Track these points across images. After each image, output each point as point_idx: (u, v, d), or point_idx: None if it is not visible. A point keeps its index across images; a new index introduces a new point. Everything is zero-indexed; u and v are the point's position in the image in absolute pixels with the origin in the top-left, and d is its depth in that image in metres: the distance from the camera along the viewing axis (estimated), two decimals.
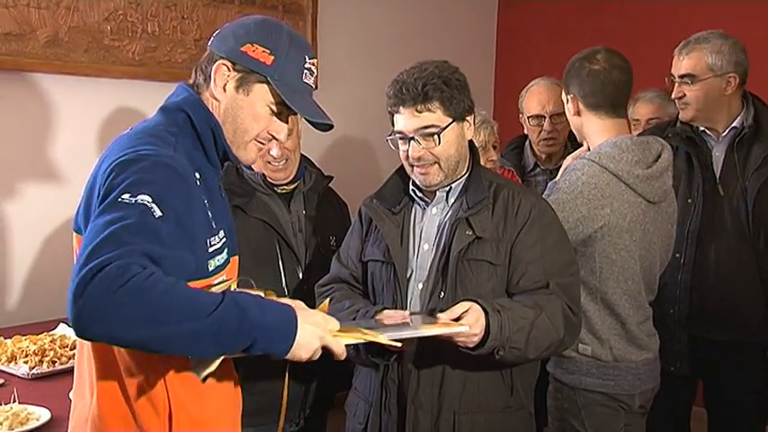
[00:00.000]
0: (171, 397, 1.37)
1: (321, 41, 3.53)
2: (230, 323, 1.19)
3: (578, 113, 2.13)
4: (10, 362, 2.17)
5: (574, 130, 2.21)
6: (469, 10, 4.33)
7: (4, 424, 1.76)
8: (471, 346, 1.63)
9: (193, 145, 1.42)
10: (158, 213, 1.22)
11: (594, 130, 2.13)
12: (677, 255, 2.44)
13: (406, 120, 1.76)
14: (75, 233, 1.39)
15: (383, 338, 1.49)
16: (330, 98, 3.52)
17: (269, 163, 2.18)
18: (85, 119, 2.83)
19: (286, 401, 1.67)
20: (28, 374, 2.09)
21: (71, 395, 1.90)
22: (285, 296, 2.16)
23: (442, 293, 1.76)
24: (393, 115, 1.80)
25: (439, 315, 1.61)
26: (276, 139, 1.49)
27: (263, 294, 1.35)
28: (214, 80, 1.42)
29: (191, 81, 1.48)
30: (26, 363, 2.14)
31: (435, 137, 1.74)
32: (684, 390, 2.64)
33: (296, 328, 1.26)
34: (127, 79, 2.90)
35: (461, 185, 1.83)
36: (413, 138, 1.76)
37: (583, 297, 2.05)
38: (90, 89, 2.83)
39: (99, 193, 1.28)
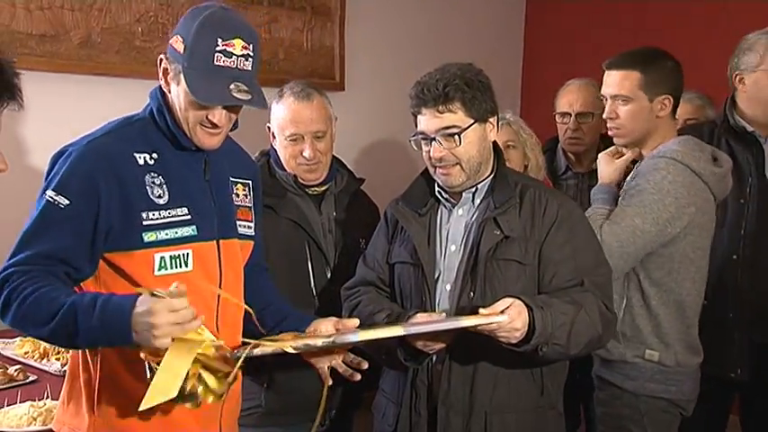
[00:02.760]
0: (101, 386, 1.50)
1: (349, 42, 3.54)
2: (67, 329, 1.36)
3: (666, 115, 2.11)
4: (42, 358, 2.21)
5: (636, 132, 2.12)
6: (497, 11, 4.31)
7: (38, 420, 1.79)
8: (515, 341, 1.62)
9: (155, 129, 1.54)
10: (64, 202, 1.42)
11: (667, 130, 2.13)
12: (734, 257, 2.40)
13: (427, 120, 1.76)
14: None
15: (286, 346, 1.46)
16: (358, 99, 3.55)
17: (301, 164, 2.19)
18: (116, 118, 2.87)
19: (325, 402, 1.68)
20: (59, 371, 2.12)
21: None
22: (313, 297, 2.17)
23: (472, 293, 1.76)
24: (416, 116, 1.81)
25: (481, 310, 1.60)
26: (216, 126, 1.51)
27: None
28: (159, 75, 1.53)
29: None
30: (58, 360, 2.18)
31: (456, 137, 1.74)
32: (724, 395, 2.58)
33: (128, 326, 1.32)
34: (157, 80, 2.92)
35: (487, 186, 1.83)
36: (434, 138, 1.76)
37: (656, 300, 2.06)
38: (121, 89, 2.86)
39: None
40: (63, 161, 1.47)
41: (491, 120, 1.80)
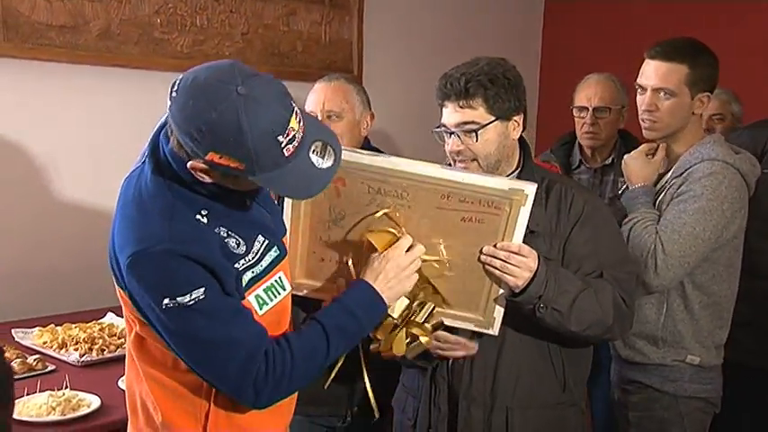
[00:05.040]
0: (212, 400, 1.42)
1: (366, 34, 3.53)
2: (345, 343, 1.45)
3: (701, 112, 2.07)
4: (61, 348, 2.22)
5: (672, 127, 2.05)
6: (516, 5, 4.28)
7: (57, 409, 1.80)
8: (522, 283, 1.62)
9: (190, 191, 1.37)
10: (200, 294, 1.30)
11: (697, 127, 2.09)
12: None
13: (449, 114, 1.75)
14: (119, 288, 1.42)
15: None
16: (375, 91, 3.52)
17: None
18: (135, 110, 2.87)
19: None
20: (78, 361, 2.13)
21: (120, 383, 1.95)
22: None
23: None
24: (441, 108, 1.80)
25: (500, 244, 1.62)
26: None
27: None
28: (194, 173, 1.32)
29: (171, 137, 1.34)
30: (76, 350, 2.19)
31: (474, 134, 1.73)
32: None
33: (381, 301, 1.49)
34: (175, 72, 2.90)
35: None
36: (454, 132, 1.76)
37: (697, 305, 2.04)
38: (140, 81, 2.87)
39: (128, 282, 1.34)
40: (164, 262, 1.30)
41: (516, 118, 1.76)
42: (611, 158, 2.78)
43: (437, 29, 3.87)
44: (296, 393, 1.56)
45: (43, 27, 2.60)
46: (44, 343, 2.25)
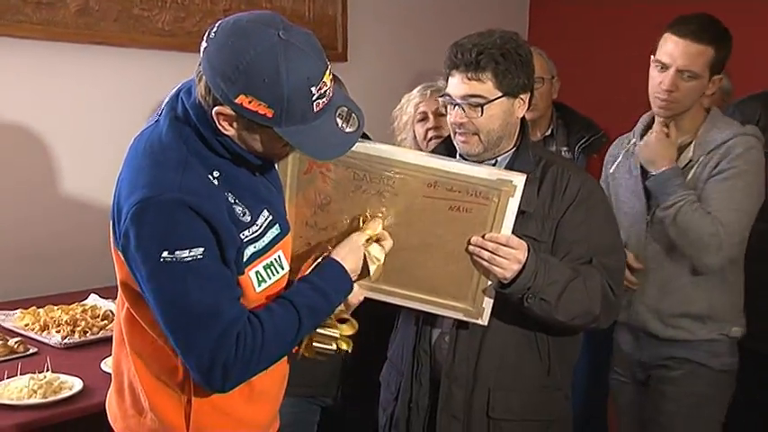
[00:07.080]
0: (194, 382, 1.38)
1: (352, 12, 3.48)
2: (314, 322, 1.42)
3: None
4: (42, 331, 2.19)
5: (686, 108, 2.05)
6: None
7: (38, 392, 1.78)
8: (510, 275, 1.61)
9: (207, 148, 1.35)
10: (199, 253, 1.27)
11: (699, 106, 2.09)
12: None
13: (456, 84, 1.72)
14: (115, 248, 1.39)
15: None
16: (361, 70, 3.50)
17: None
18: (114, 89, 2.83)
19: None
20: (60, 344, 2.11)
21: (103, 365, 1.93)
22: None
23: None
24: (447, 78, 1.76)
25: (488, 235, 1.62)
26: None
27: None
28: (218, 122, 1.32)
29: (197, 86, 1.32)
30: (58, 332, 2.17)
31: (479, 108, 1.70)
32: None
33: (350, 278, 1.48)
34: (155, 49, 2.88)
35: (508, 159, 1.79)
36: (459, 103, 1.73)
37: (732, 276, 2.09)
38: (119, 59, 2.82)
39: (124, 234, 1.30)
40: (169, 213, 1.27)
41: (522, 96, 1.74)
42: (550, 130, 2.81)
43: (423, 6, 3.82)
44: (286, 380, 1.55)
45: (19, 3, 2.54)
46: (26, 325, 2.23)
